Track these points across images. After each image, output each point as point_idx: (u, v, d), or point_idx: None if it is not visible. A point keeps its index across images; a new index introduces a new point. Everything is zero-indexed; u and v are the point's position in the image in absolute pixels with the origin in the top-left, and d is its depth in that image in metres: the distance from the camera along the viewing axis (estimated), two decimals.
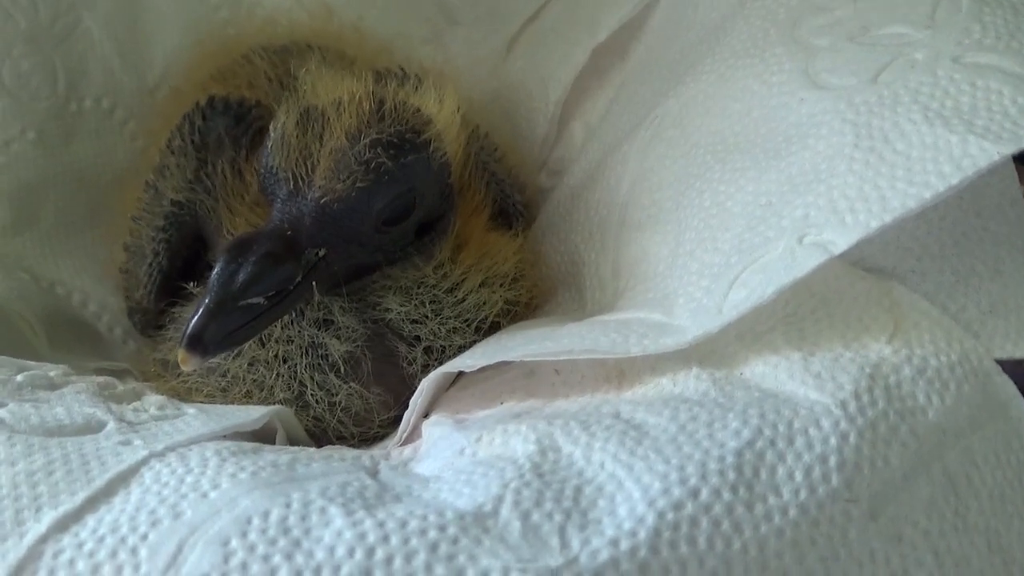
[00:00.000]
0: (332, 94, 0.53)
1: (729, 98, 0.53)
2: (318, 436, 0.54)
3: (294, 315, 0.53)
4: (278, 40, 0.67)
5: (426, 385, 0.50)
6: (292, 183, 0.52)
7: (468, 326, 0.55)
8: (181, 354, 0.48)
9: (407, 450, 0.49)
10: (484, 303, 0.55)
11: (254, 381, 0.54)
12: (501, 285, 0.56)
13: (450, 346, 0.54)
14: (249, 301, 0.48)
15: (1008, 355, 0.47)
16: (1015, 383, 0.60)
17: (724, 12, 0.58)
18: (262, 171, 0.53)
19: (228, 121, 0.58)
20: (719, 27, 0.57)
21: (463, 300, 0.55)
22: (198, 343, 0.48)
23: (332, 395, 0.53)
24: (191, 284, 0.56)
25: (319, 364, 0.53)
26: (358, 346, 0.53)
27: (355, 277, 0.53)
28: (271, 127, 0.53)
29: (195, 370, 0.53)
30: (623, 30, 0.66)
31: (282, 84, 0.61)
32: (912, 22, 0.51)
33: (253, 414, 0.51)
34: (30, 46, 0.66)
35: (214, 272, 0.48)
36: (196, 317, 0.48)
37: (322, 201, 0.51)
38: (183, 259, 0.59)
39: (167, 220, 0.59)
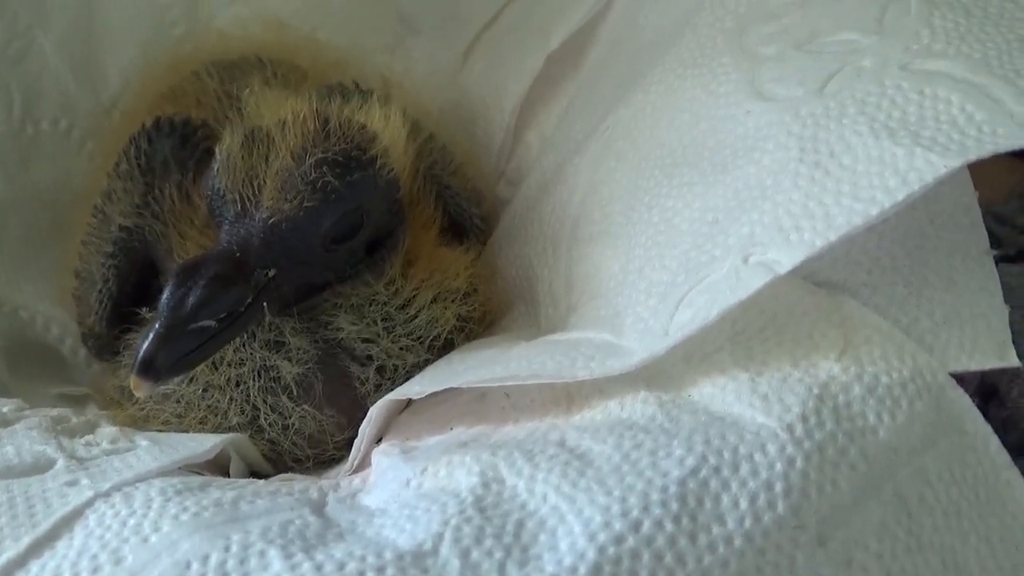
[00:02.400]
0: (276, 114, 0.53)
1: (677, 109, 0.52)
2: (274, 460, 0.54)
3: (245, 338, 0.53)
4: (229, 56, 0.66)
5: (374, 413, 0.50)
6: (239, 205, 0.51)
7: (421, 344, 0.55)
8: (133, 380, 0.48)
9: (356, 480, 0.49)
10: (436, 319, 0.55)
11: (208, 407, 0.53)
12: (453, 301, 0.56)
13: (403, 365, 0.54)
14: (200, 324, 0.48)
15: (963, 367, 0.46)
16: (987, 381, 0.59)
17: (674, 19, 0.57)
18: (209, 193, 0.52)
19: (174, 143, 0.58)
20: (669, 34, 0.56)
21: (415, 317, 0.55)
22: (149, 368, 0.47)
23: (285, 418, 0.53)
24: (143, 309, 0.56)
25: (271, 387, 0.53)
26: (310, 367, 0.53)
27: (306, 296, 0.53)
28: (216, 149, 0.52)
29: (150, 397, 0.53)
30: (576, 38, 0.65)
31: (231, 101, 0.60)
32: (860, 28, 0.49)
33: (206, 444, 0.51)
34: None
35: (163, 297, 0.48)
36: (147, 343, 0.47)
37: (270, 222, 0.51)
38: (133, 284, 0.59)
39: (115, 246, 0.58)
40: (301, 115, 0.52)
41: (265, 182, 0.51)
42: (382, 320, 0.54)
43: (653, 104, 0.54)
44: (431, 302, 0.55)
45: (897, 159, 0.44)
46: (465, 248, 0.59)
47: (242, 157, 0.51)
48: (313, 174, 0.51)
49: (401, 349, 0.54)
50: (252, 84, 0.56)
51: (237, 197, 0.51)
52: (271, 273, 0.51)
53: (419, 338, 0.55)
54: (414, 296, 0.55)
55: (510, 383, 0.47)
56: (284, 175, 0.51)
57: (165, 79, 0.65)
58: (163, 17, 0.71)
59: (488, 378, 0.47)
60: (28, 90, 0.67)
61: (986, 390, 0.61)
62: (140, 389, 0.48)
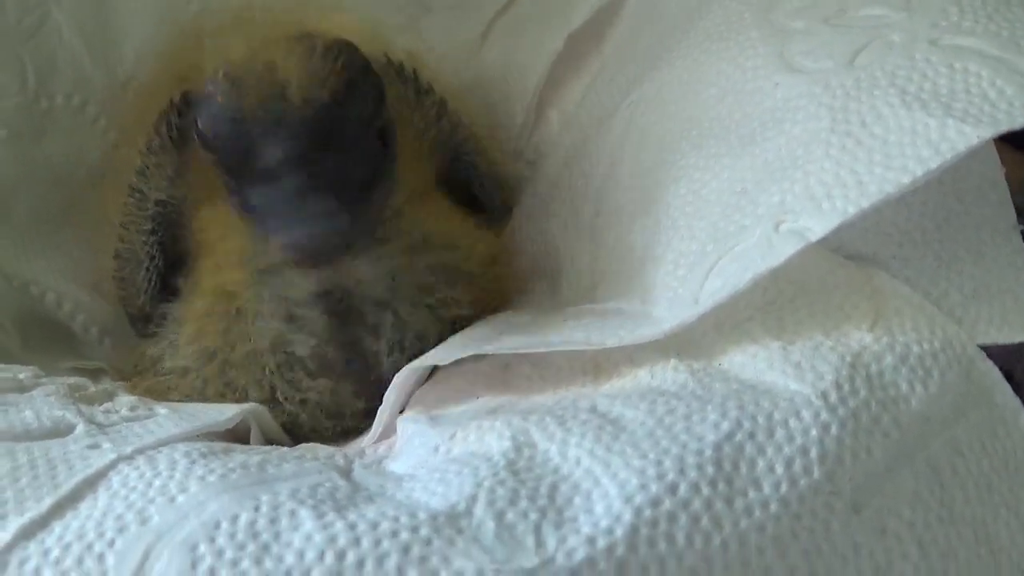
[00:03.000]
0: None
1: (704, 83, 0.52)
2: (293, 432, 0.54)
3: (259, 314, 0.52)
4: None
5: (398, 382, 0.49)
6: (267, 110, 0.49)
7: (431, 311, 0.54)
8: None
9: (381, 447, 0.48)
10: (453, 282, 0.55)
11: (226, 384, 0.53)
12: (462, 259, 0.55)
13: (416, 333, 0.53)
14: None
15: (992, 340, 0.46)
16: (1002, 366, 0.59)
17: None
18: (218, 125, 0.50)
19: None
20: (694, 11, 0.56)
21: (423, 268, 0.54)
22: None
23: (302, 392, 0.53)
24: (178, 279, 0.55)
25: (287, 362, 0.52)
26: (324, 339, 0.52)
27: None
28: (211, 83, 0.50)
29: (169, 371, 0.52)
30: (599, 15, 0.65)
31: None
32: (889, 4, 0.49)
33: (226, 413, 0.50)
34: None
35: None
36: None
37: (311, 114, 0.49)
38: (175, 255, 0.58)
39: (154, 222, 0.58)
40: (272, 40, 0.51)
41: (289, 80, 0.49)
42: (396, 274, 0.53)
43: (679, 79, 0.54)
44: (443, 259, 0.55)
45: (929, 129, 0.44)
46: (477, 219, 0.59)
47: (246, 73, 0.50)
48: (334, 55, 0.50)
49: (412, 306, 0.53)
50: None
51: (260, 106, 0.49)
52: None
53: (429, 305, 0.54)
54: (424, 248, 0.54)
55: (539, 350, 0.47)
56: (308, 63, 0.49)
57: (187, 56, 0.65)
58: None
59: (516, 345, 0.47)
60: (42, 64, 0.66)
61: (1003, 375, 0.61)
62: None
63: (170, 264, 0.58)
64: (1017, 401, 0.46)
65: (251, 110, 0.49)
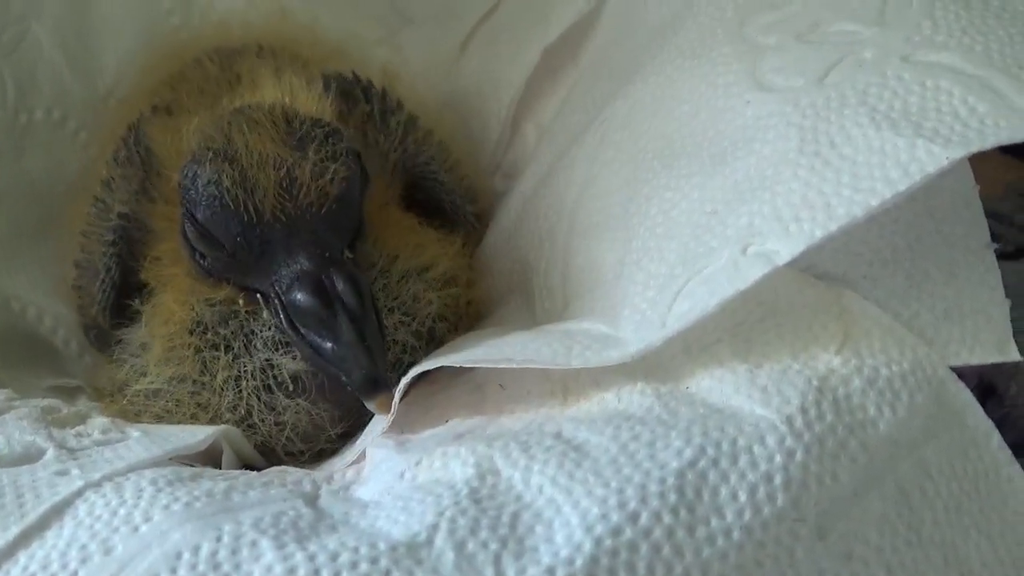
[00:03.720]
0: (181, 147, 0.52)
1: (676, 100, 0.52)
2: (266, 453, 0.53)
3: (248, 338, 0.52)
4: (230, 43, 0.66)
5: (382, 423, 0.49)
6: (278, 212, 0.50)
7: (408, 327, 0.54)
8: (377, 405, 0.47)
9: (349, 472, 0.48)
10: (419, 297, 0.54)
11: (199, 404, 0.53)
12: (432, 277, 0.55)
13: (396, 350, 0.53)
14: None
15: (963, 361, 0.46)
16: (984, 380, 0.59)
17: (674, 10, 0.56)
18: (221, 231, 0.50)
19: None
20: (668, 26, 0.56)
21: (397, 293, 0.54)
22: (379, 382, 0.47)
23: (279, 414, 0.52)
24: (136, 301, 0.55)
25: (268, 384, 0.52)
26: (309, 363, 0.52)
27: None
28: (204, 189, 0.50)
29: (139, 392, 0.52)
30: (575, 29, 0.65)
31: (233, 88, 0.59)
32: (862, 19, 0.49)
33: (198, 435, 0.50)
34: None
35: (315, 315, 0.48)
36: (355, 360, 0.47)
37: (323, 210, 0.50)
38: (134, 271, 0.58)
39: (115, 234, 0.57)
40: (255, 121, 0.51)
41: (293, 179, 0.50)
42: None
43: (652, 95, 0.53)
44: (408, 275, 0.54)
45: (899, 150, 0.44)
46: (444, 235, 0.59)
47: (236, 175, 0.50)
48: (330, 149, 0.50)
49: (393, 328, 0.53)
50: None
51: (270, 208, 0.50)
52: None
53: (406, 318, 0.54)
54: (392, 265, 0.54)
55: (504, 365, 0.46)
56: (310, 166, 0.50)
57: (164, 67, 0.65)
58: (159, 6, 0.70)
59: (482, 359, 0.47)
60: (22, 79, 0.67)
61: (984, 388, 0.61)
62: (385, 407, 0.47)
63: (129, 284, 0.58)
64: (988, 422, 0.45)
65: (264, 211, 0.50)
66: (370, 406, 0.47)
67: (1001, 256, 0.68)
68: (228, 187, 0.49)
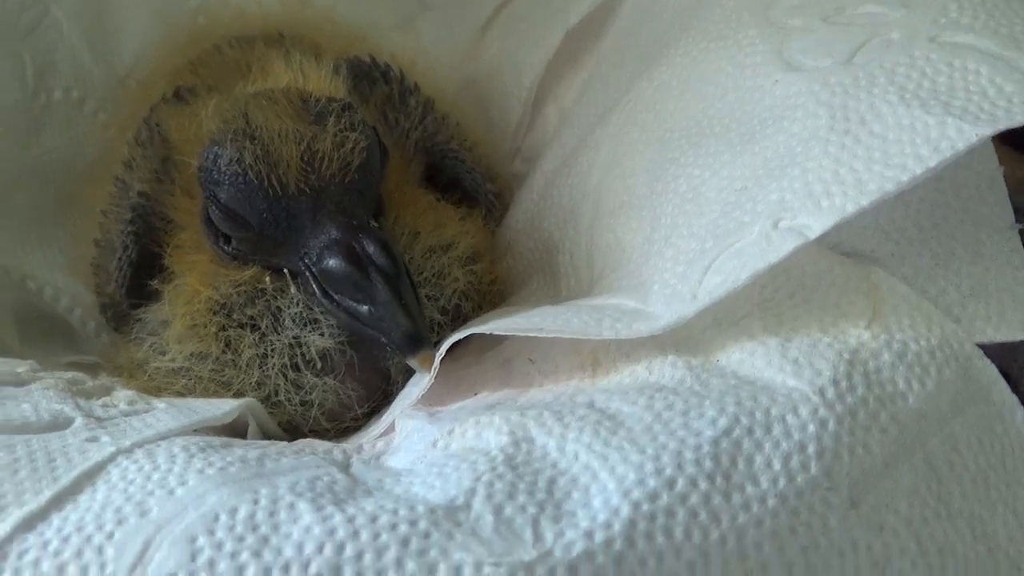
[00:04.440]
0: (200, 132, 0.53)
1: (703, 81, 0.52)
2: (291, 430, 0.53)
3: (276, 316, 0.52)
4: (249, 29, 0.66)
5: (415, 392, 0.49)
6: (302, 183, 0.50)
7: (435, 303, 0.54)
8: (420, 361, 0.48)
9: (380, 443, 0.48)
10: (444, 273, 0.55)
11: (221, 382, 0.53)
12: (456, 254, 0.55)
13: None
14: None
15: (989, 339, 0.46)
16: (999, 365, 0.59)
17: None
18: (247, 206, 0.50)
19: None
20: (693, 8, 0.57)
21: (422, 268, 0.54)
22: (421, 338, 0.48)
23: (306, 393, 0.52)
24: (154, 281, 0.55)
25: (296, 363, 0.52)
26: (341, 341, 0.52)
27: None
28: (226, 166, 0.50)
29: (159, 369, 0.52)
30: (597, 12, 0.65)
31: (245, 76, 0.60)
32: (887, 1, 0.50)
33: (224, 407, 0.50)
34: None
35: (350, 278, 0.48)
36: (396, 320, 0.47)
37: (347, 179, 0.50)
38: (152, 253, 0.58)
39: (134, 212, 0.57)
40: (272, 99, 0.51)
41: (314, 152, 0.50)
42: None
43: (678, 76, 0.54)
44: (433, 251, 0.55)
45: (928, 127, 0.44)
46: (465, 212, 0.59)
47: (258, 151, 0.50)
48: (345, 120, 0.51)
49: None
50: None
51: (294, 181, 0.50)
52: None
53: (433, 292, 0.54)
54: (414, 242, 0.54)
55: (534, 334, 0.47)
56: (330, 138, 0.50)
57: (184, 51, 0.65)
58: None
59: (513, 328, 0.47)
60: (41, 60, 0.67)
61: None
62: (428, 363, 0.47)
63: (147, 263, 0.58)
64: (1014, 398, 0.46)
65: (289, 184, 0.50)
66: (412, 363, 0.48)
67: None
68: (251, 164, 0.50)
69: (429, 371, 0.48)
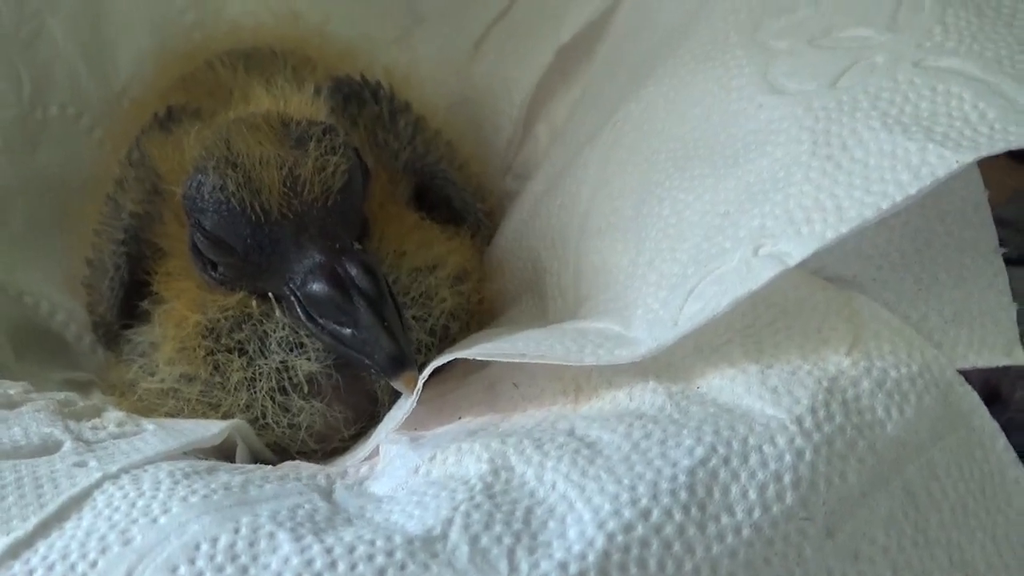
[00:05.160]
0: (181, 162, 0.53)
1: (689, 102, 0.52)
2: (279, 451, 0.54)
3: (263, 340, 0.53)
4: (241, 46, 0.66)
5: (399, 415, 0.49)
6: (284, 208, 0.50)
7: (422, 325, 0.54)
8: (403, 382, 0.48)
9: (363, 468, 0.49)
10: (431, 295, 0.55)
11: (209, 404, 0.53)
12: (442, 274, 0.56)
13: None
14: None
15: (971, 364, 0.46)
16: (989, 381, 0.59)
17: (687, 11, 0.57)
18: (242, 235, 0.51)
19: None
20: (682, 28, 0.56)
21: (408, 289, 0.54)
22: (404, 359, 0.48)
23: (294, 416, 0.53)
24: (144, 302, 0.55)
25: (283, 386, 0.53)
26: (328, 364, 0.52)
27: None
28: (209, 193, 0.51)
29: (149, 390, 0.53)
30: (588, 30, 0.65)
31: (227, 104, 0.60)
32: (873, 24, 0.49)
33: (212, 429, 0.51)
34: None
35: (330, 301, 0.49)
36: (377, 343, 0.48)
37: (329, 202, 0.51)
38: (145, 270, 0.58)
39: (126, 233, 0.58)
40: (253, 126, 0.52)
41: (296, 177, 0.50)
42: None
43: (665, 97, 0.54)
44: (419, 272, 0.55)
45: (909, 153, 0.44)
46: (452, 232, 0.59)
47: (240, 178, 0.51)
48: (326, 143, 0.51)
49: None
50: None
51: (277, 207, 0.50)
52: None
53: (420, 313, 0.55)
54: (400, 261, 0.55)
55: (517, 360, 0.47)
56: (311, 162, 0.51)
57: (177, 68, 0.66)
58: (172, 4, 0.71)
59: (496, 353, 0.48)
60: (38, 74, 0.67)
61: (988, 393, 0.61)
62: (411, 384, 0.48)
63: (138, 284, 0.58)
64: (995, 425, 0.46)
65: (272, 210, 0.50)
66: (396, 385, 0.48)
67: (1006, 262, 0.69)
68: (234, 191, 0.50)
69: (412, 392, 0.48)
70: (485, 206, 0.64)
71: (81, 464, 0.46)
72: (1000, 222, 0.71)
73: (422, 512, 0.41)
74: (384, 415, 0.52)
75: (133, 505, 0.43)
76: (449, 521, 0.41)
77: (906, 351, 0.45)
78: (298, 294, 0.50)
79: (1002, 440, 0.46)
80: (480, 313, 0.58)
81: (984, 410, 0.46)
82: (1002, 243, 0.71)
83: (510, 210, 0.64)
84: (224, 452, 0.52)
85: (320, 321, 0.50)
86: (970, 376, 0.47)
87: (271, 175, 0.50)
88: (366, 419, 0.53)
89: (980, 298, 0.47)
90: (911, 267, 0.48)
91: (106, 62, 0.69)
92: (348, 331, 0.49)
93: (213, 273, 0.53)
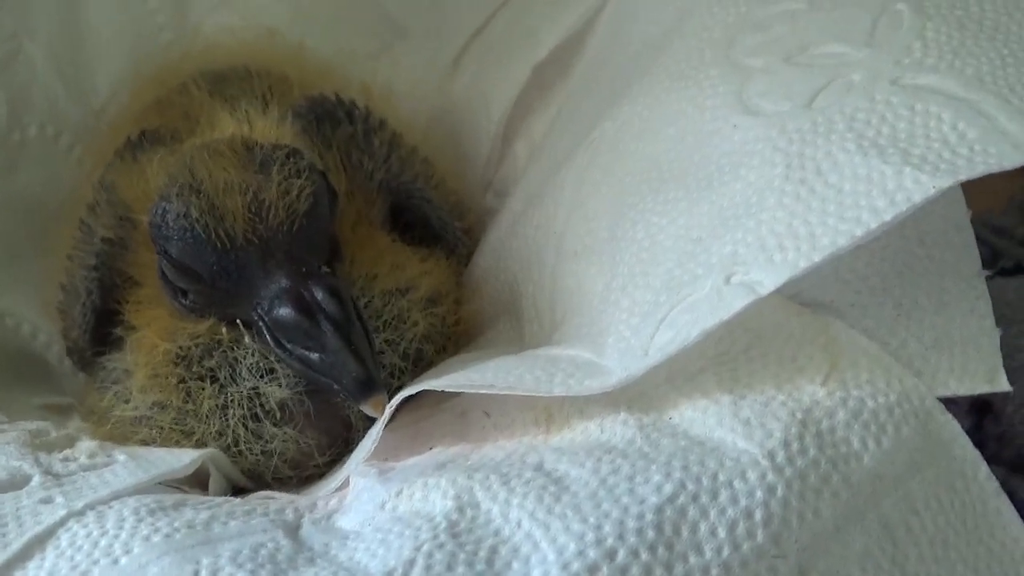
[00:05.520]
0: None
1: (663, 122, 0.51)
2: (254, 477, 0.53)
3: (233, 367, 0.52)
4: (216, 65, 0.65)
5: (367, 444, 0.49)
6: (248, 232, 0.50)
7: (395, 350, 0.54)
8: (371, 406, 0.48)
9: (333, 500, 0.48)
10: (403, 318, 0.54)
11: (183, 432, 0.53)
12: (415, 296, 0.55)
13: (386, 380, 0.53)
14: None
15: (952, 392, 0.45)
16: (981, 397, 0.58)
17: (664, 27, 0.56)
18: (208, 259, 0.50)
19: None
20: (658, 44, 0.55)
21: (381, 312, 0.54)
22: (372, 383, 0.47)
23: (266, 443, 0.52)
24: (118, 328, 0.55)
25: (255, 413, 0.52)
26: (298, 391, 0.52)
27: None
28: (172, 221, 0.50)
29: (123, 418, 0.53)
30: (565, 46, 0.64)
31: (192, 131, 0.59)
32: (851, 40, 0.48)
33: (184, 459, 0.50)
34: None
35: (296, 326, 0.48)
36: (346, 367, 0.47)
37: (295, 226, 0.50)
38: (116, 299, 0.57)
39: (98, 259, 0.57)
40: (216, 152, 0.51)
41: (260, 201, 0.50)
42: None
43: (640, 116, 0.52)
44: (391, 295, 0.54)
45: (885, 178, 0.43)
46: (427, 253, 0.59)
47: (204, 204, 0.50)
48: (290, 166, 0.50)
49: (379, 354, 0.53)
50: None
51: (242, 232, 0.50)
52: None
53: (392, 336, 0.54)
54: (372, 284, 0.54)
55: (485, 391, 0.46)
56: (275, 186, 0.50)
57: (152, 90, 0.65)
58: (150, 23, 0.71)
59: (465, 384, 0.47)
60: (15, 95, 0.67)
61: (980, 406, 0.60)
62: (380, 408, 0.47)
63: (110, 311, 0.58)
64: (976, 453, 0.45)
65: (236, 236, 0.50)
66: (365, 409, 0.48)
67: (1002, 272, 0.67)
68: (197, 217, 0.49)
69: (381, 415, 0.47)
70: (464, 224, 0.63)
71: (47, 500, 0.45)
72: (997, 231, 0.70)
73: (385, 551, 0.41)
74: (359, 440, 0.51)
75: (95, 545, 0.43)
76: (411, 562, 0.40)
77: (884, 379, 0.44)
78: (266, 319, 0.49)
79: (984, 469, 0.45)
80: (457, 335, 0.57)
81: (965, 439, 0.45)
82: (999, 253, 0.70)
83: (489, 228, 0.63)
84: (199, 480, 0.52)
85: (288, 346, 0.49)
86: None
87: (235, 200, 0.49)
88: (340, 445, 0.53)
89: (962, 323, 0.46)
90: (891, 291, 0.46)
91: (84, 81, 0.69)
92: (316, 356, 0.48)
93: (183, 301, 0.52)
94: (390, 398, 0.48)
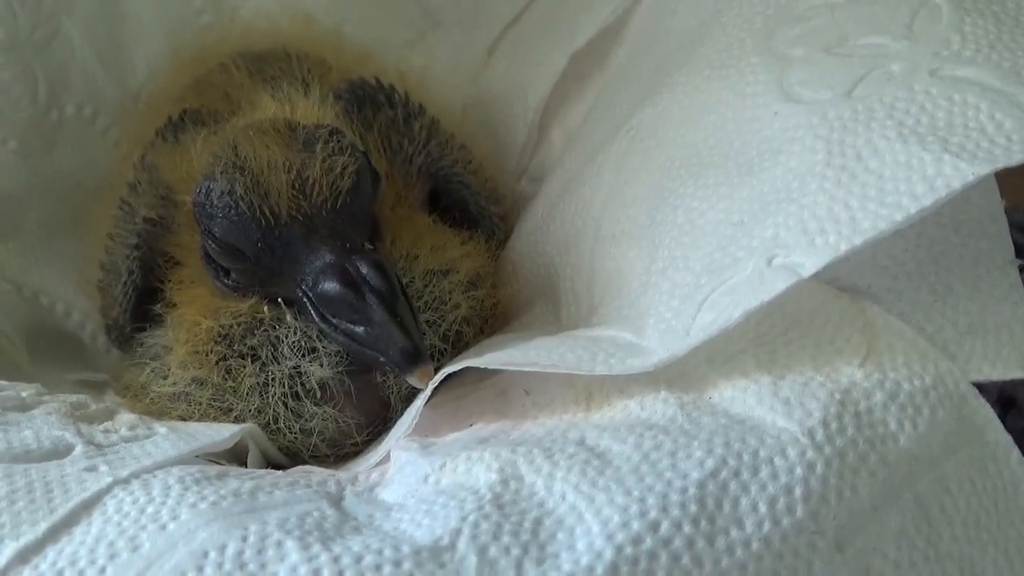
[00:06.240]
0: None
1: (704, 110, 0.52)
2: (291, 455, 0.54)
3: (275, 346, 0.52)
4: (256, 47, 0.66)
5: (408, 420, 0.49)
6: (293, 209, 0.50)
7: (435, 330, 0.54)
8: (418, 377, 0.48)
9: (374, 474, 0.49)
10: (444, 299, 0.55)
11: (221, 408, 0.53)
12: (456, 278, 0.56)
13: None
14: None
15: (986, 377, 0.46)
16: (1005, 391, 0.59)
17: (702, 18, 0.57)
18: (254, 234, 0.51)
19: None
20: (697, 35, 0.56)
21: (421, 293, 0.54)
22: (419, 354, 0.48)
23: (306, 421, 0.53)
24: (159, 305, 0.56)
25: (296, 392, 0.53)
26: (340, 370, 0.52)
27: None
28: (216, 198, 0.51)
29: (162, 395, 0.53)
30: (603, 35, 0.65)
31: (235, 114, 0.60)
32: (890, 32, 0.49)
33: (224, 433, 0.51)
34: (10, 55, 0.66)
35: (342, 298, 0.49)
36: (392, 338, 0.48)
37: (339, 203, 0.51)
38: (157, 278, 0.58)
39: (139, 238, 0.58)
40: (260, 131, 0.52)
41: (304, 178, 0.50)
42: None
43: (680, 104, 0.53)
44: (433, 276, 0.55)
45: (925, 164, 0.44)
46: (466, 236, 0.59)
47: (248, 182, 0.50)
48: (333, 144, 0.51)
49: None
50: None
51: (286, 209, 0.50)
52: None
53: (433, 316, 0.54)
54: (413, 265, 0.55)
55: (528, 369, 0.47)
56: (319, 163, 0.51)
57: (192, 70, 0.66)
58: (188, 5, 0.71)
59: (507, 361, 0.47)
60: (54, 76, 0.67)
61: (1005, 401, 0.61)
62: (426, 378, 0.48)
63: (151, 288, 0.58)
64: (1008, 438, 0.45)
65: (281, 213, 0.50)
66: (411, 380, 0.48)
67: None
68: (242, 195, 0.50)
69: (426, 387, 0.48)
70: (499, 209, 0.64)
71: (92, 469, 0.46)
72: (1021, 228, 0.70)
73: (431, 521, 0.41)
74: (396, 421, 0.52)
75: (143, 511, 0.43)
76: (457, 531, 0.41)
77: (920, 363, 0.45)
78: (310, 295, 0.50)
79: (1016, 454, 0.46)
80: (494, 318, 0.58)
81: (998, 423, 0.45)
82: (1022, 250, 0.70)
83: (525, 213, 0.63)
84: (237, 455, 0.52)
85: (333, 321, 0.50)
86: (986, 384, 0.47)
87: (279, 178, 0.50)
88: (378, 424, 0.53)
89: (995, 310, 0.47)
90: (926, 278, 0.47)
91: (122, 63, 0.69)
92: (361, 329, 0.49)
93: (226, 280, 0.53)
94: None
